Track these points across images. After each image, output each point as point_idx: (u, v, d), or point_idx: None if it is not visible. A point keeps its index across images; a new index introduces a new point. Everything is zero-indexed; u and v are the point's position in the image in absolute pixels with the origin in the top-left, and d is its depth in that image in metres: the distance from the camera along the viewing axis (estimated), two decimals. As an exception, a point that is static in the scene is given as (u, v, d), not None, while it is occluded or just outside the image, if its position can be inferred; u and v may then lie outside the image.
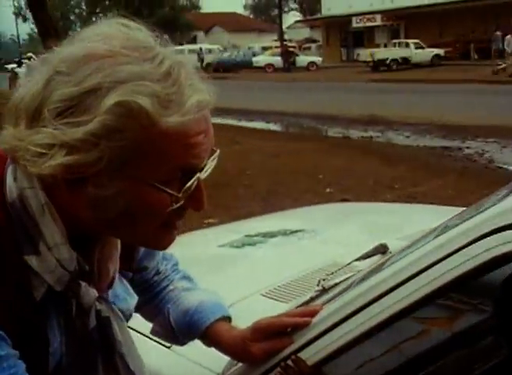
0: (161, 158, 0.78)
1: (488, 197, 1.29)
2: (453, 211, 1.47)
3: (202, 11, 70.07)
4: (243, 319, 1.18)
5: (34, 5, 13.21)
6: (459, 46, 33.98)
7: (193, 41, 59.76)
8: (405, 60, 32.44)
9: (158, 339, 1.29)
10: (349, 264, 1.48)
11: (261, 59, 40.33)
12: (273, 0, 63.86)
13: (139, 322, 1.19)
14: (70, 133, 0.75)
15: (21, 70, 21.48)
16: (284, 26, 47.07)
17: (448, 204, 3.33)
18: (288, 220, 2.81)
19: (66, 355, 0.89)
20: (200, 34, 64.94)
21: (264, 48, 44.37)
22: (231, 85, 22.72)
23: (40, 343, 0.86)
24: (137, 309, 1.10)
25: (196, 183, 0.83)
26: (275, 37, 49.36)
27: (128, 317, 1.03)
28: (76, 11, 67.81)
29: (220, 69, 39.47)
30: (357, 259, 1.51)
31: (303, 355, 1.08)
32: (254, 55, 42.53)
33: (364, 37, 42.31)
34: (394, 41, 36.13)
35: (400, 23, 40.05)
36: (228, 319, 1.19)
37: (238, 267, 2.18)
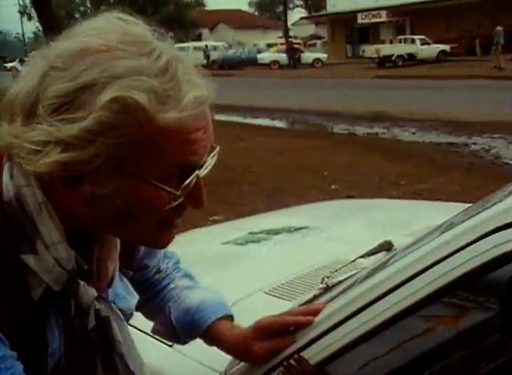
0: (158, 155, 0.76)
1: (494, 193, 1.27)
2: (460, 207, 1.45)
3: (207, 8, 69.98)
4: (246, 317, 1.17)
5: (39, 3, 13.26)
6: (465, 42, 33.81)
7: (198, 38, 59.73)
8: (411, 56, 32.33)
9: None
10: (353, 261, 1.46)
11: (266, 56, 40.27)
12: (278, -3, 63.96)
13: (140, 320, 1.18)
14: (65, 130, 0.73)
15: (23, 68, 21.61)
16: (289, 23, 47.11)
17: (454, 200, 3.31)
18: (292, 217, 2.79)
19: (65, 355, 0.88)
20: (205, 32, 64.93)
21: (270, 45, 44.35)
22: (236, 82, 22.74)
23: (39, 343, 0.84)
24: (138, 308, 1.09)
25: (195, 180, 0.81)
26: (280, 34, 49.34)
27: (129, 316, 1.02)
28: (81, 9, 67.87)
29: (225, 66, 39.52)
30: (362, 256, 1.50)
31: (305, 354, 1.07)
32: (259, 52, 42.51)
33: (369, 34, 42.20)
34: (400, 37, 35.96)
35: (406, 18, 39.88)
36: (230, 317, 1.18)
37: (241, 265, 2.16)
